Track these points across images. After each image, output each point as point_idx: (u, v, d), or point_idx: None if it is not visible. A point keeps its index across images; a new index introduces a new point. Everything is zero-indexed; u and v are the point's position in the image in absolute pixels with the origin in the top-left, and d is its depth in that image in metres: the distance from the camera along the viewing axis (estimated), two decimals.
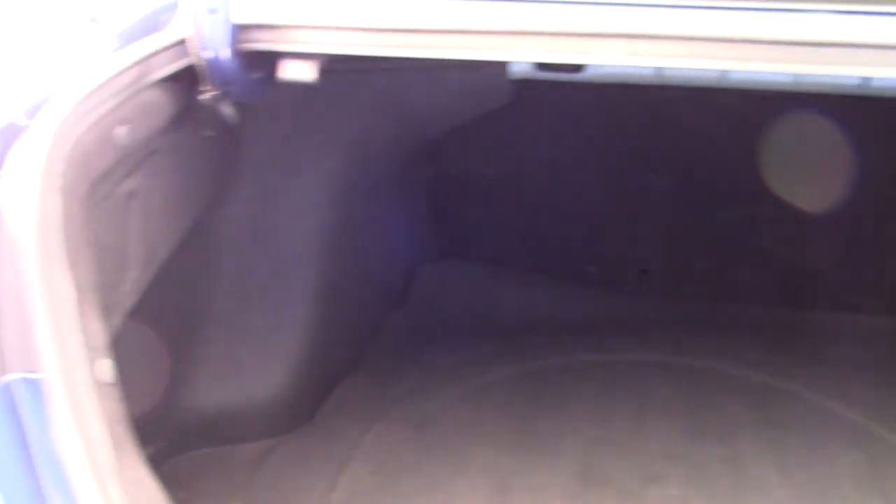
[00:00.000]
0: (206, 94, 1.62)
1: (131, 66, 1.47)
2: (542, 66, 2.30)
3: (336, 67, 1.77)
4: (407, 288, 3.01)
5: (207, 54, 1.55)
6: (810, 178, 2.66)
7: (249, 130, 2.07)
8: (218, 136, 1.81)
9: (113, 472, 1.13)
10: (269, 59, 1.63)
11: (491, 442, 2.27)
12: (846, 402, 2.47)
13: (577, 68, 2.28)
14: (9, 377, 1.17)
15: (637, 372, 2.63)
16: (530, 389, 2.52)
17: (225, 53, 1.55)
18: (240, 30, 1.56)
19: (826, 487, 2.11)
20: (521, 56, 1.52)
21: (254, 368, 2.22)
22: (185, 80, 1.61)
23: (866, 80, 2.13)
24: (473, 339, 2.78)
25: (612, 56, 1.44)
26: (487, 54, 1.52)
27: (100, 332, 1.29)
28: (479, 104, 2.46)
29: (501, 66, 2.32)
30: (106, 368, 1.28)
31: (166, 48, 1.55)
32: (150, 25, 1.60)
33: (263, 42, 1.58)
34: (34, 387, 1.15)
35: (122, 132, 1.45)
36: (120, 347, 1.35)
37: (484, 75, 2.34)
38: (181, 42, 1.56)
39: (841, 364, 2.69)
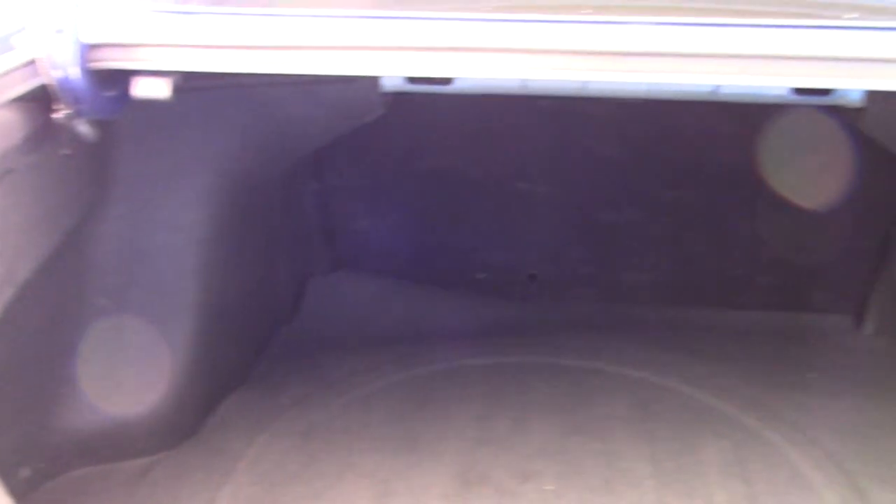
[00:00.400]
0: (60, 113, 1.63)
1: None
2: (413, 80, 2.36)
3: (207, 84, 1.81)
4: (297, 301, 3.04)
5: (57, 74, 1.57)
6: (678, 180, 2.79)
7: (121, 148, 2.09)
8: (79, 154, 1.82)
9: None
10: (122, 77, 1.66)
11: (375, 447, 2.32)
12: (718, 394, 2.59)
13: (446, 81, 2.35)
14: None
15: (522, 374, 2.71)
16: (416, 395, 2.58)
17: (75, 72, 1.57)
18: (90, 49, 1.58)
19: (692, 475, 2.21)
20: (367, 70, 1.59)
21: (133, 386, 2.22)
22: (40, 99, 1.63)
23: (717, 87, 2.25)
24: (363, 349, 2.83)
25: (474, 69, 1.52)
26: (333, 68, 1.58)
27: None
28: (353, 117, 2.51)
29: (373, 79, 2.38)
30: None
31: (17, 69, 1.57)
32: (3, 47, 1.61)
33: (115, 60, 1.61)
34: None
35: None
36: None
37: (357, 88, 2.39)
38: (32, 62, 1.58)
39: (715, 358, 2.82)
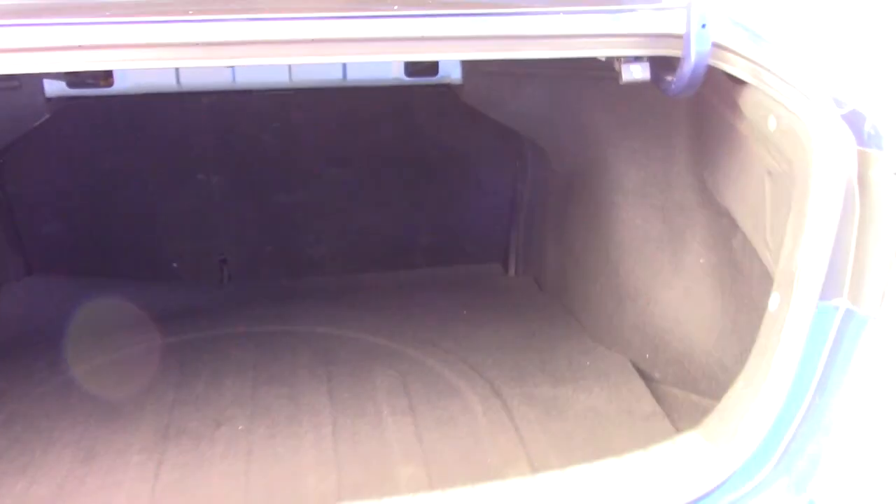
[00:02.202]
0: None
1: None
2: (73, 84, 2.57)
3: None
4: None
5: None
6: (335, 159, 3.20)
7: None
8: None
9: None
10: None
11: (76, 423, 2.49)
12: (387, 337, 3.03)
13: (107, 83, 2.59)
14: None
15: (216, 344, 3.00)
16: (115, 375, 2.78)
17: None
18: None
19: (364, 399, 2.62)
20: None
21: None
22: None
23: (345, 75, 2.68)
24: (63, 343, 2.97)
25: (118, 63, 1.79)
26: None
27: None
28: (19, 123, 2.67)
29: (38, 85, 2.56)
30: None
31: None
32: None
33: None
34: None
35: None
36: None
37: (20, 95, 2.56)
38: None
39: (387, 309, 3.27)
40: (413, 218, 3.55)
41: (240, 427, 2.47)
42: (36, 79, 2.60)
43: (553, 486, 1.62)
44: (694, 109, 2.36)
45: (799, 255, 1.69)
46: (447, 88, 2.84)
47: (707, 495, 1.59)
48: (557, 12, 1.95)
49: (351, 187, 3.39)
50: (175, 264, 3.44)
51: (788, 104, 1.85)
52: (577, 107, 2.71)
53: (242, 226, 3.43)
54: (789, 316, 1.68)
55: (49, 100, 2.60)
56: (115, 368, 2.83)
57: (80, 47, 1.79)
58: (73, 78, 2.62)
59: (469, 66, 2.84)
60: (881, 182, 1.68)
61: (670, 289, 2.66)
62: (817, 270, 1.67)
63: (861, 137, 1.75)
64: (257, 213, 3.41)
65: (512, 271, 3.65)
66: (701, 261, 2.55)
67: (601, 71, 2.24)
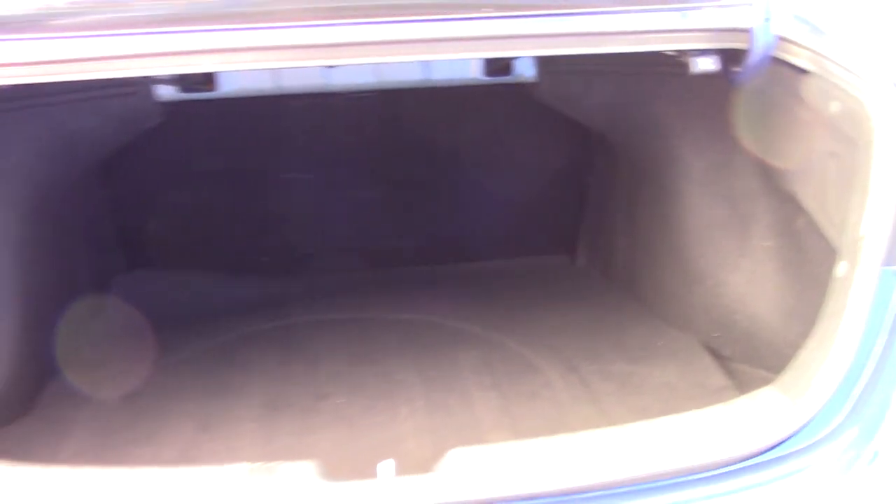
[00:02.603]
0: None
1: None
2: (184, 88, 2.83)
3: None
4: (102, 297, 3.39)
5: None
6: (410, 158, 3.42)
7: None
8: None
9: None
10: None
11: (192, 398, 2.73)
12: (466, 321, 3.23)
13: (210, 87, 2.84)
14: None
15: (308, 330, 3.23)
16: (222, 356, 3.02)
17: None
18: None
19: (451, 376, 2.82)
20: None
21: None
22: None
23: (429, 76, 2.90)
24: (169, 329, 3.23)
25: (213, 64, 2.02)
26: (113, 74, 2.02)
27: None
28: (133, 126, 2.93)
29: (149, 90, 2.82)
30: None
31: None
32: None
33: None
34: None
35: None
36: None
37: (135, 100, 2.82)
38: None
39: (461, 297, 3.48)
40: (485, 212, 3.75)
41: (340, 401, 2.69)
42: (148, 85, 2.86)
43: (646, 435, 1.80)
44: (756, 100, 2.52)
45: (863, 225, 1.86)
46: (521, 87, 3.04)
47: (783, 442, 1.76)
48: (632, 11, 2.15)
49: (428, 183, 3.61)
50: (264, 259, 3.69)
51: (850, 90, 2.01)
52: (646, 101, 2.89)
53: (327, 221, 3.66)
54: (856, 280, 1.84)
55: (160, 104, 2.86)
56: (220, 351, 3.07)
57: (190, 52, 2.03)
58: (182, 83, 2.88)
59: (543, 66, 3.03)
60: None
61: (737, 271, 2.81)
62: (880, 238, 1.83)
63: None
64: (341, 209, 3.64)
65: (580, 262, 3.83)
66: (766, 244, 2.70)
67: (668, 67, 2.43)
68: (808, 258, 2.44)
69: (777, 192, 2.55)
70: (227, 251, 3.61)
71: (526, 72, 2.92)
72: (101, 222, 3.40)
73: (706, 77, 2.33)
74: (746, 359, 2.74)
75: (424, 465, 1.78)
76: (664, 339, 2.98)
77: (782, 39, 2.14)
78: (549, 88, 2.97)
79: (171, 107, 2.91)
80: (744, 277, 2.78)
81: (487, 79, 2.90)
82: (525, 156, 3.55)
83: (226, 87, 2.86)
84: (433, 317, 3.29)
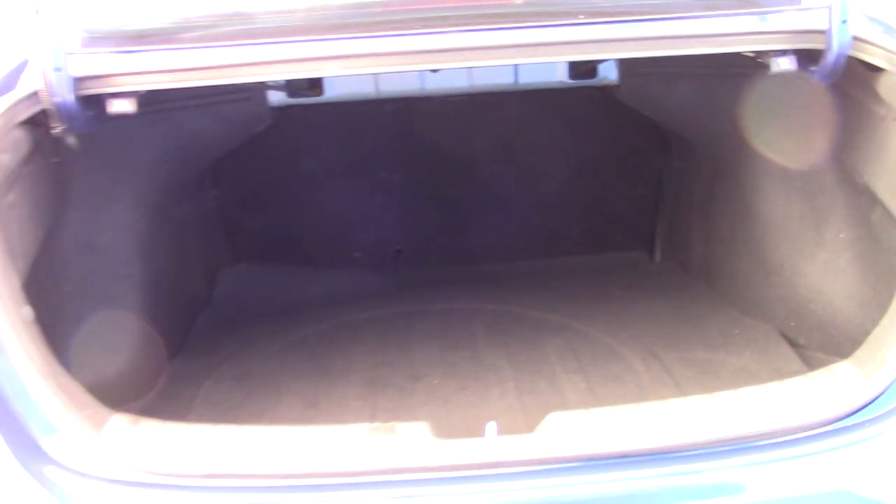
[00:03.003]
0: (57, 129, 2.24)
1: (3, 113, 2.10)
2: (291, 94, 3.07)
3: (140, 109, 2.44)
4: (210, 288, 3.66)
5: (56, 100, 2.18)
6: (497, 157, 3.62)
7: (76, 163, 2.67)
8: (60, 162, 2.42)
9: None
10: (99, 100, 2.29)
11: (298, 379, 2.96)
12: (551, 311, 3.41)
13: (317, 92, 3.08)
14: None
15: (401, 319, 3.44)
16: (322, 342, 3.26)
17: (69, 98, 2.19)
18: (78, 81, 2.20)
19: (538, 360, 3.00)
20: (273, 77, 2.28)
21: (99, 352, 2.77)
22: (41, 119, 2.23)
23: (517, 79, 3.10)
24: (272, 318, 3.48)
25: (334, 70, 2.24)
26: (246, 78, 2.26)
27: (19, 290, 1.92)
28: (245, 129, 3.19)
29: (263, 96, 3.07)
30: (27, 312, 1.92)
31: (24, 98, 2.17)
32: (10, 82, 2.21)
33: (95, 88, 2.23)
34: None
35: (4, 158, 2.07)
36: None
37: (249, 104, 3.08)
38: (35, 93, 2.18)
39: (545, 290, 3.65)
40: (566, 210, 3.93)
41: (434, 381, 2.89)
42: (262, 91, 3.12)
43: (730, 402, 1.95)
44: (831, 98, 2.65)
45: None
46: (605, 89, 3.22)
47: (857, 411, 1.90)
48: (713, 15, 2.30)
49: (512, 182, 3.81)
50: (357, 254, 3.93)
51: None
52: (725, 101, 3.03)
53: (416, 219, 3.89)
54: None
55: (270, 108, 3.11)
56: (320, 337, 3.30)
57: (306, 59, 2.24)
58: (290, 89, 3.13)
59: (625, 69, 3.21)
60: None
61: (812, 262, 2.93)
62: None
63: None
64: (429, 207, 3.86)
65: (657, 257, 3.97)
66: (841, 235, 2.81)
67: (747, 68, 2.57)
68: (884, 248, 2.55)
69: (853, 185, 2.66)
70: (324, 246, 3.85)
71: (609, 75, 3.09)
72: (210, 218, 3.68)
73: (784, 77, 2.46)
74: (822, 347, 2.86)
75: (527, 428, 1.96)
76: (741, 327, 3.11)
77: (857, 39, 2.27)
78: (631, 90, 3.14)
79: (280, 111, 3.16)
80: (819, 268, 2.90)
81: (572, 82, 3.08)
82: (605, 156, 3.72)
83: (330, 93, 3.10)
84: (518, 308, 3.47)
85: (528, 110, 3.55)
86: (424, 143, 3.65)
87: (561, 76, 3.13)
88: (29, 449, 1.87)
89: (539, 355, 3.04)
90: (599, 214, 3.94)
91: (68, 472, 1.86)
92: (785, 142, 2.97)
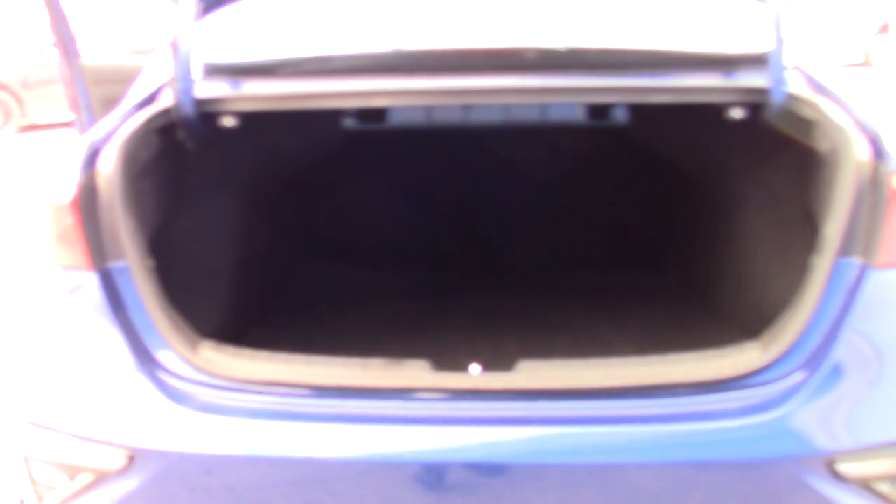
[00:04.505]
0: (181, 135, 3.05)
1: (145, 121, 2.91)
2: (361, 121, 3.85)
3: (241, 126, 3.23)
4: (289, 278, 4.45)
5: (182, 114, 2.98)
6: (526, 184, 4.34)
7: (188, 167, 3.47)
8: (180, 163, 3.23)
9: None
10: (213, 117, 3.08)
11: (358, 350, 3.66)
12: (568, 313, 4.06)
13: (382, 120, 3.85)
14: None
15: (441, 314, 4.12)
16: (372, 325, 3.95)
17: (193, 114, 2.98)
18: (199, 101, 3.00)
19: (543, 344, 3.66)
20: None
21: (202, 315, 3.11)
22: (170, 128, 3.03)
23: (544, 117, 3.80)
24: (336, 305, 4.21)
25: (390, 101, 2.98)
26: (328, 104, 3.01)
27: (145, 248, 2.70)
28: (323, 147, 3.99)
29: (337, 121, 3.85)
30: (150, 263, 2.70)
31: (161, 111, 2.98)
32: (149, 97, 3.03)
33: (211, 107, 3.03)
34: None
35: (142, 154, 2.88)
36: None
37: (325, 128, 3.87)
38: (168, 108, 2.99)
39: (566, 297, 4.30)
40: (582, 235, 4.61)
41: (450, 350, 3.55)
42: (338, 117, 3.90)
43: (656, 362, 2.60)
44: (782, 143, 3.22)
45: (827, 229, 2.61)
46: (616, 129, 3.89)
47: (752, 374, 2.52)
48: (679, 73, 2.97)
49: (538, 207, 4.53)
50: (409, 258, 4.68)
51: (838, 133, 2.75)
52: (714, 143, 3.66)
53: (456, 236, 4.64)
54: (819, 267, 2.58)
55: (343, 132, 3.89)
56: (372, 322, 4.00)
57: (375, 93, 2.98)
58: (360, 117, 3.90)
59: (634, 112, 3.87)
60: (885, 180, 2.57)
61: (780, 279, 3.50)
62: (838, 238, 2.58)
63: (878, 150, 2.65)
64: (466, 220, 4.62)
65: (665, 276, 4.59)
66: (799, 259, 3.39)
67: (720, 116, 3.20)
68: None
69: (808, 217, 3.25)
70: (373, 252, 4.65)
71: (620, 117, 3.77)
72: (290, 220, 4.49)
73: (751, 125, 3.08)
74: None
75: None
76: (720, 331, 3.70)
77: (791, 96, 2.90)
78: (638, 131, 3.82)
79: (352, 134, 3.95)
80: (785, 284, 3.47)
81: (588, 121, 3.77)
82: (621, 189, 4.39)
83: (392, 121, 3.87)
84: (546, 311, 4.11)
85: (553, 144, 4.26)
86: (464, 170, 4.41)
87: (580, 116, 3.83)
88: (146, 358, 2.63)
89: (546, 342, 3.70)
90: (617, 237, 4.59)
91: (173, 376, 2.62)
92: (758, 178, 3.57)
